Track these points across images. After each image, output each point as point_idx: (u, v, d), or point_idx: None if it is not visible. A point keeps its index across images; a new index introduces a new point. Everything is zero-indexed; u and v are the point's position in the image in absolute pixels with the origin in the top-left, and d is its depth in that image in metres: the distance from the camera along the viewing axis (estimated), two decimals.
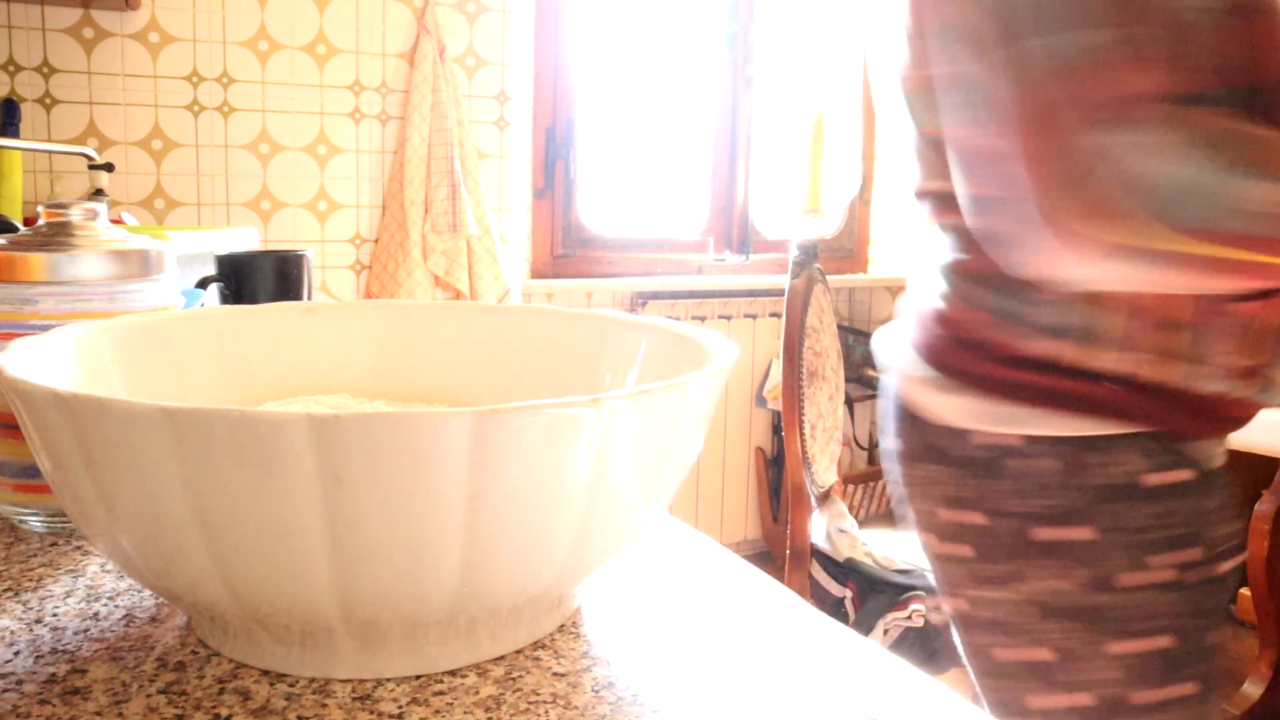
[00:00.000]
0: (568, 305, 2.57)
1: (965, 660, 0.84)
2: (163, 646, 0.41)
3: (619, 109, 2.89)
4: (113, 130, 2.17)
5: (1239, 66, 0.65)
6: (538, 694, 0.38)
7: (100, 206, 0.56)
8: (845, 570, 1.64)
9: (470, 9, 2.48)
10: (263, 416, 0.31)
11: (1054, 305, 0.73)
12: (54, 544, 0.52)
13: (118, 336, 0.50)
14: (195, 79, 2.23)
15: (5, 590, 0.46)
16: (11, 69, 2.08)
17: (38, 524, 0.53)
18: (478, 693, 0.38)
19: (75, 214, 0.55)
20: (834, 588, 1.65)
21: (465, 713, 0.36)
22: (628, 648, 0.42)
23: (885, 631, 1.58)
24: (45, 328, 0.51)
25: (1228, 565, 0.77)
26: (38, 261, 0.52)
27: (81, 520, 0.38)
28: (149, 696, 0.37)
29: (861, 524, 2.67)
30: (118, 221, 1.67)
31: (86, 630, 0.42)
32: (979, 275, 0.76)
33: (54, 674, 0.38)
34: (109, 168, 1.75)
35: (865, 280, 3.16)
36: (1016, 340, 0.74)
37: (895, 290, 3.20)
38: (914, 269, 0.87)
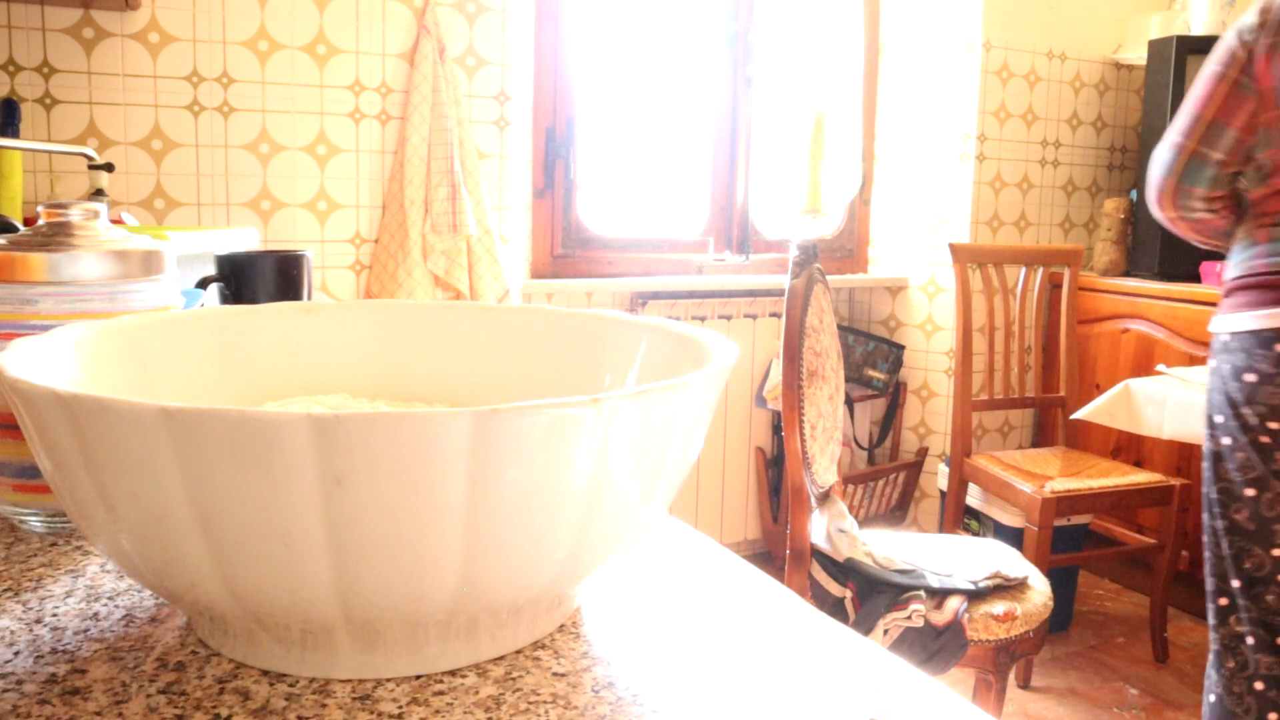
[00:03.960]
0: (568, 305, 2.57)
1: None
2: (163, 646, 0.41)
3: (619, 109, 2.89)
4: (113, 130, 2.17)
5: None
6: (538, 694, 0.38)
7: (100, 206, 0.56)
8: (845, 570, 1.64)
9: (470, 9, 2.48)
10: (263, 416, 0.31)
11: None
12: (54, 544, 0.52)
13: (118, 336, 0.50)
14: (195, 79, 2.23)
15: (5, 590, 0.46)
16: (11, 69, 2.08)
17: (38, 524, 0.53)
18: (478, 693, 0.38)
19: (75, 214, 0.55)
20: (834, 588, 1.65)
21: (465, 713, 0.36)
22: (628, 648, 0.42)
23: (885, 631, 1.58)
24: (45, 328, 0.51)
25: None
26: (38, 261, 0.52)
27: (81, 520, 0.38)
28: (149, 696, 0.37)
29: (861, 524, 2.67)
30: (118, 221, 1.67)
31: (86, 630, 0.42)
32: None
33: (54, 674, 0.38)
34: (109, 168, 1.75)
35: (865, 280, 3.16)
36: None
37: (895, 290, 3.20)
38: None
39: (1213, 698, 1.57)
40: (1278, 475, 1.47)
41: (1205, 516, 1.58)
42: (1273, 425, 1.47)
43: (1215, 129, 1.51)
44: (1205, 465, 1.57)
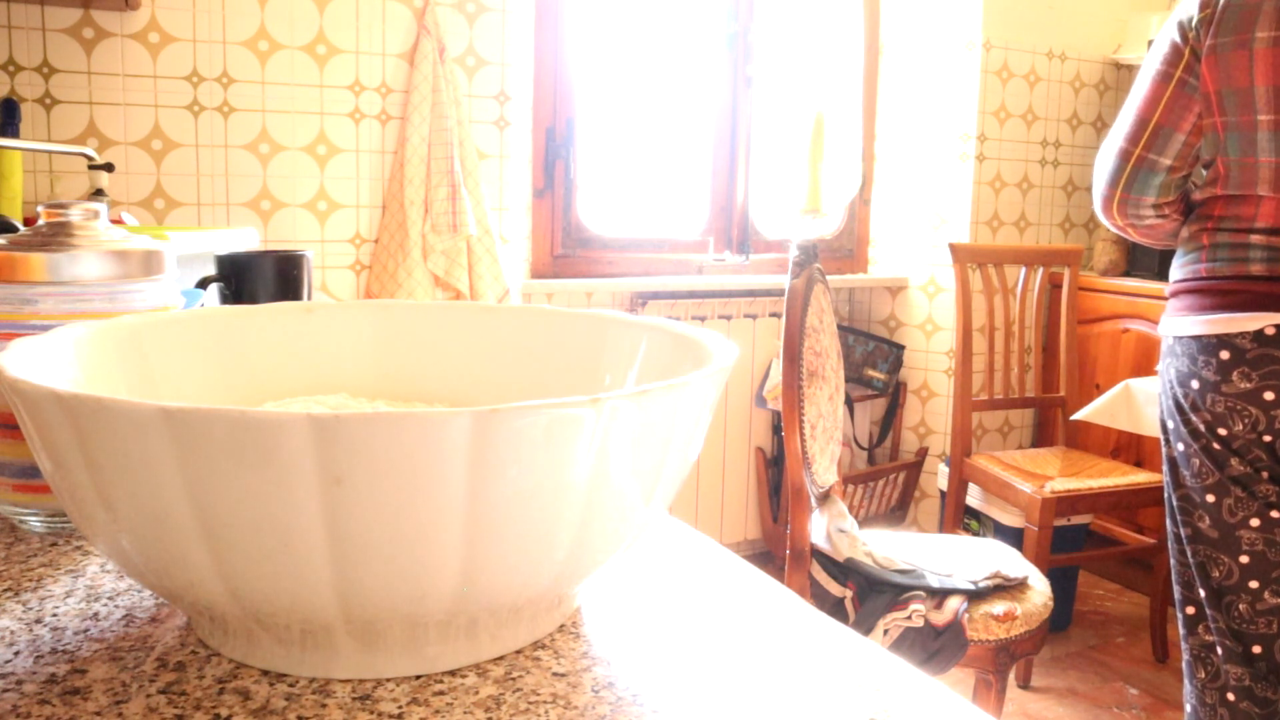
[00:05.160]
0: (568, 305, 2.57)
1: None
2: (163, 646, 0.41)
3: (619, 109, 2.89)
4: (113, 130, 2.17)
5: None
6: (538, 694, 0.38)
7: (100, 206, 0.56)
8: (845, 570, 1.64)
9: (470, 9, 2.48)
10: (263, 416, 0.31)
11: None
12: (54, 544, 0.52)
13: (118, 336, 0.50)
14: (195, 79, 2.23)
15: (5, 590, 0.46)
16: (11, 69, 2.08)
17: (38, 524, 0.53)
18: (478, 693, 0.38)
19: (75, 214, 0.55)
20: (834, 588, 1.65)
21: (465, 713, 0.36)
22: (628, 648, 0.42)
23: (885, 631, 1.58)
24: (45, 328, 0.51)
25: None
26: (38, 261, 0.52)
27: (81, 520, 0.38)
28: (149, 696, 0.37)
29: (861, 524, 2.67)
30: (118, 221, 1.67)
31: (86, 630, 0.42)
32: None
33: (54, 674, 0.38)
34: (109, 168, 1.75)
35: (865, 280, 3.16)
36: None
37: (895, 290, 3.20)
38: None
39: (1189, 708, 1.54)
40: (1235, 480, 1.43)
41: (1168, 523, 1.54)
42: (1222, 432, 1.42)
43: (1162, 134, 1.43)
44: (1164, 471, 1.53)
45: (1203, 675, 1.50)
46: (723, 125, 3.01)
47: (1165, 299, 1.54)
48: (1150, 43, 2.94)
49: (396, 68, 2.41)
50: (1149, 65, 1.47)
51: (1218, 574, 1.46)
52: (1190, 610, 1.52)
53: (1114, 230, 1.58)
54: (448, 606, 0.36)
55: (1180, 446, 1.49)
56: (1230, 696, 1.46)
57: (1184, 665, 1.54)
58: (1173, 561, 1.55)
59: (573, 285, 2.69)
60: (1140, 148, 1.45)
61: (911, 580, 1.62)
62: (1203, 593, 1.48)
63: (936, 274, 3.11)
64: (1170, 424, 1.50)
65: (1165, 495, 1.54)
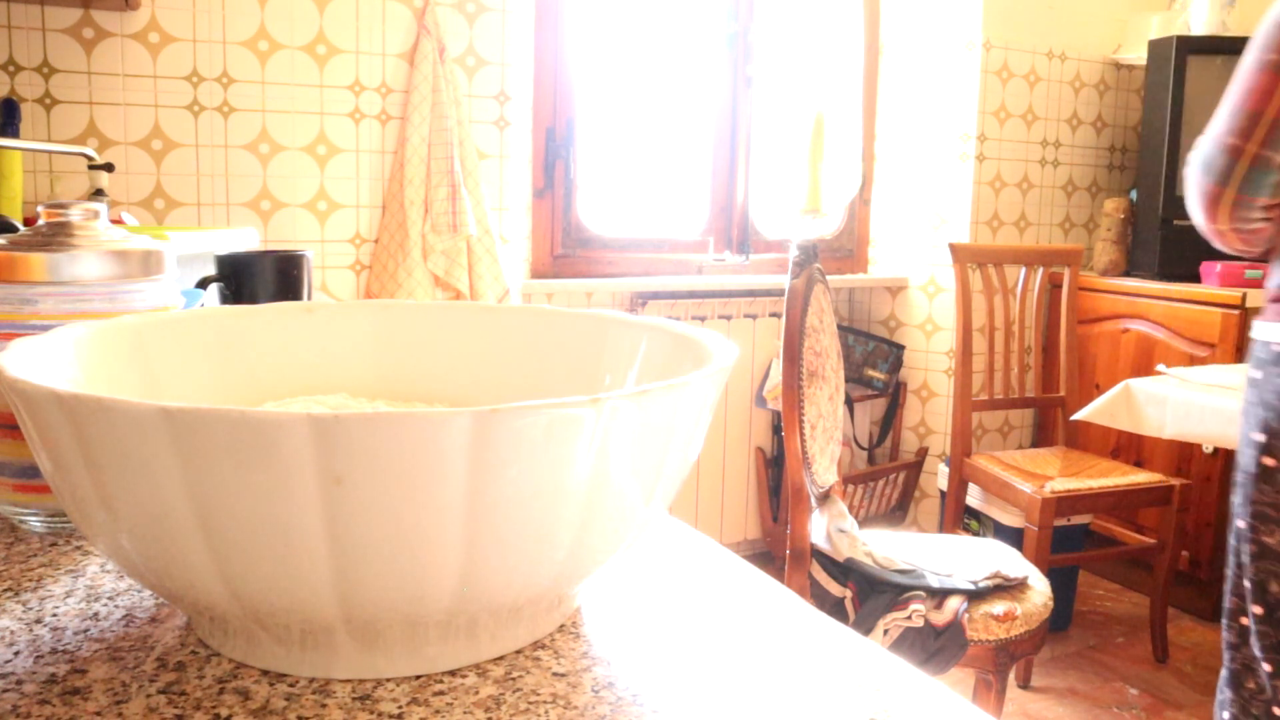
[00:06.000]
0: (568, 305, 2.57)
1: None
2: (163, 646, 0.41)
3: (619, 109, 2.89)
4: (113, 130, 2.17)
5: None
6: (538, 694, 0.38)
7: (100, 206, 0.56)
8: (845, 570, 1.64)
9: (470, 9, 2.48)
10: (263, 416, 0.31)
11: None
12: (54, 544, 0.52)
13: (118, 336, 0.50)
14: (195, 79, 2.23)
15: (5, 590, 0.46)
16: (11, 69, 2.08)
17: (38, 524, 0.53)
18: (478, 693, 0.38)
19: (75, 214, 0.55)
20: (834, 588, 1.65)
21: (465, 713, 0.36)
22: (628, 648, 0.42)
23: (885, 631, 1.58)
24: (45, 328, 0.51)
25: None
26: (38, 261, 0.52)
27: (81, 520, 0.38)
28: (149, 696, 0.37)
29: (861, 524, 2.67)
30: (118, 221, 1.67)
31: (86, 630, 0.42)
32: None
33: (54, 674, 0.38)
34: (109, 168, 1.75)
35: (865, 280, 3.16)
36: None
37: (895, 290, 3.20)
38: None
39: (1227, 715, 1.49)
40: None
41: (1231, 537, 1.47)
42: None
43: (1279, 129, 1.30)
44: (1240, 481, 1.44)
45: (1252, 686, 1.45)
46: (723, 125, 3.01)
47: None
48: (1150, 43, 2.95)
49: (396, 68, 2.41)
50: (1257, 54, 1.35)
51: (1277, 588, 1.40)
52: (1245, 621, 1.46)
53: (1210, 234, 1.46)
54: (447, 606, 0.36)
55: (1271, 462, 1.39)
56: (1277, 710, 1.42)
57: (1226, 674, 1.50)
58: (1229, 572, 1.49)
59: (573, 285, 2.69)
60: (1255, 144, 1.33)
61: (911, 580, 1.62)
62: (1258, 609, 1.43)
63: (936, 274, 3.10)
64: (1260, 438, 1.41)
65: (1234, 504, 1.46)
